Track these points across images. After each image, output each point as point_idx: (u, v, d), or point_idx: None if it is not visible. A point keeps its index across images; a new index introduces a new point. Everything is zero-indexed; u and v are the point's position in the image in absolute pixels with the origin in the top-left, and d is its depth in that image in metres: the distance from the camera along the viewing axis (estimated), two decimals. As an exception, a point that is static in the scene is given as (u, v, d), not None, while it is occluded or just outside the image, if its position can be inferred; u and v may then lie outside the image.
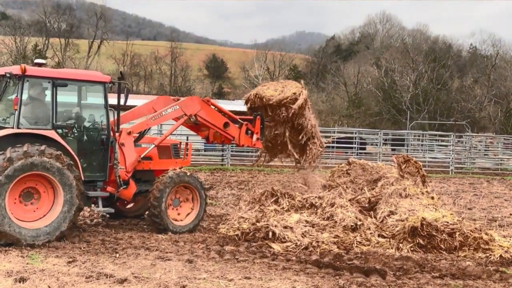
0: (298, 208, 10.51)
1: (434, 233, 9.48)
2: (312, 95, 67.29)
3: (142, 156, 10.40)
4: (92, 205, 10.12)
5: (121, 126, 10.09)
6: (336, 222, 10.00)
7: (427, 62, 62.86)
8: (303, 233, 9.60)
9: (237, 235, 9.89)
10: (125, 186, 10.02)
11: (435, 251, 9.38)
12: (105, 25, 78.76)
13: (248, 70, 77.06)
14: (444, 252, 9.34)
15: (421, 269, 8.21)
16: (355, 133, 33.19)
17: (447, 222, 9.69)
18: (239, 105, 49.11)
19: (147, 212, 10.65)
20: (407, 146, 34.13)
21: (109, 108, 9.77)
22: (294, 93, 11.73)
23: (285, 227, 9.73)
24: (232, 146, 29.57)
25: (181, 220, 10.32)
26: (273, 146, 12.47)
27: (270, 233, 9.54)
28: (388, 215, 10.38)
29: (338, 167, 12.93)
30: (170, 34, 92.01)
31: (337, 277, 7.54)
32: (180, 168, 10.54)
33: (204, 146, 34.04)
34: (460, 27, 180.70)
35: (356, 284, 7.21)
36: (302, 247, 9.16)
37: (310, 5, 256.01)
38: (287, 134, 11.92)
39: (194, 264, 7.92)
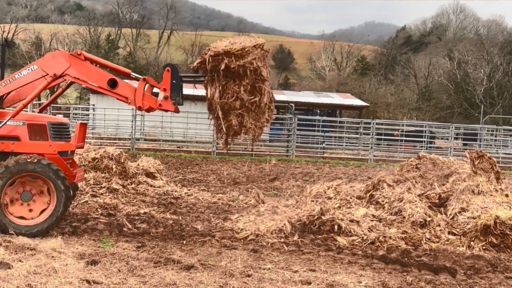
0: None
1: (508, 232, 9.08)
2: (381, 87, 66.21)
3: None
4: None
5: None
6: (404, 217, 9.77)
7: (503, 54, 60.44)
8: (369, 228, 9.43)
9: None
10: None
11: (509, 250, 8.98)
12: (175, 16, 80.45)
13: (315, 61, 76.67)
14: (519, 252, 8.95)
15: (493, 268, 7.89)
16: (425, 127, 32.36)
17: (523, 221, 9.27)
18: (306, 96, 48.74)
19: None
20: (480, 141, 32.95)
21: None
22: (244, 47, 8.70)
23: (351, 221, 9.59)
24: (297, 137, 29.53)
25: (32, 218, 8.27)
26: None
27: (336, 226, 9.42)
28: (459, 212, 10.03)
29: (407, 161, 12.61)
30: (238, 25, 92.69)
31: (405, 273, 7.36)
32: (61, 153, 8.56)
33: (269, 137, 34.20)
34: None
35: (424, 281, 7.01)
36: (369, 242, 9.00)
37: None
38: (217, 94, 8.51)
39: (259, 254, 7.94)
